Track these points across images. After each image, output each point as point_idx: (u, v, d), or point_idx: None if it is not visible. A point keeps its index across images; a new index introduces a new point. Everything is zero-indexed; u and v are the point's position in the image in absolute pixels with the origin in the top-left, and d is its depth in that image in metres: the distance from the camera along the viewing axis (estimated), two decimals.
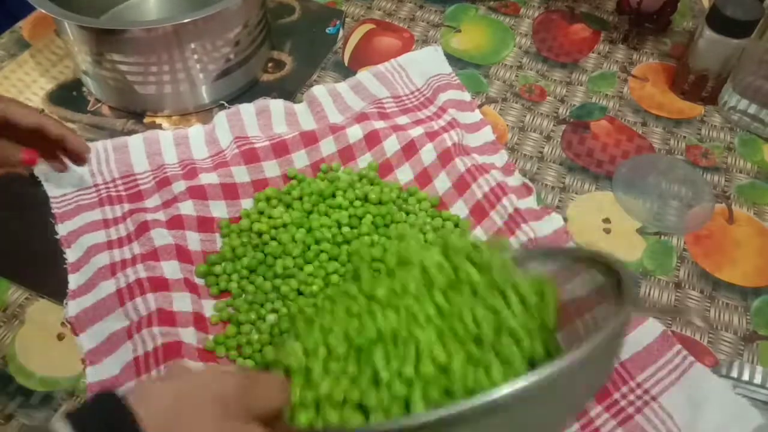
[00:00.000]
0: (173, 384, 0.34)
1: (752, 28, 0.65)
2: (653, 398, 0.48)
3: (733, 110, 0.69)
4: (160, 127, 0.67)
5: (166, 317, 0.50)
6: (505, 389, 0.29)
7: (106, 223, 0.57)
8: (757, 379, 0.49)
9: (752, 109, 0.68)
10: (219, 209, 0.59)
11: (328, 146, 0.63)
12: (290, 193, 0.60)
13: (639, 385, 0.49)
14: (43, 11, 0.59)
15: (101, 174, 0.60)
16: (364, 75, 0.71)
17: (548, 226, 0.58)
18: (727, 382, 0.49)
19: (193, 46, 0.63)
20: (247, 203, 0.60)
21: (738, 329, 0.54)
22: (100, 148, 0.62)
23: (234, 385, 0.34)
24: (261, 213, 0.59)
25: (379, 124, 0.64)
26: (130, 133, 0.65)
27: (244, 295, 0.54)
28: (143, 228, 0.55)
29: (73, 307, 0.52)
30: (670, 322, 0.54)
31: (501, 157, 0.64)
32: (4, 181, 0.60)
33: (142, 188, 0.60)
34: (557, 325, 0.38)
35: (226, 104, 0.68)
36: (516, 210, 0.57)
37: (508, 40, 0.79)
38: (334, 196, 0.60)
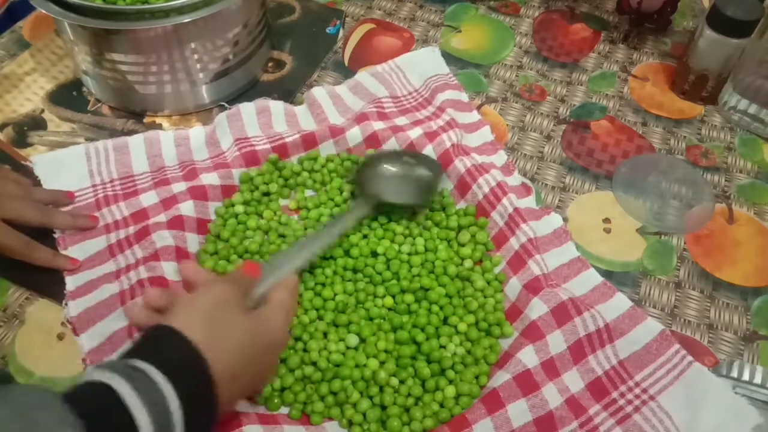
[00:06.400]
0: (197, 306, 0.40)
1: (752, 28, 0.65)
2: (651, 398, 0.48)
3: (733, 110, 0.69)
4: (160, 126, 0.67)
5: None
6: None
7: (107, 228, 0.57)
8: (757, 379, 0.49)
9: (752, 109, 0.68)
10: None
11: (327, 149, 0.63)
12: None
13: (637, 384, 0.49)
14: (43, 11, 0.59)
15: (100, 174, 0.60)
16: (362, 76, 0.71)
17: (548, 225, 0.58)
18: (725, 382, 0.49)
19: (193, 45, 0.63)
20: None
21: (738, 329, 0.54)
22: (100, 148, 0.62)
23: (229, 288, 0.43)
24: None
25: (378, 126, 0.63)
26: (130, 133, 0.65)
27: None
28: (144, 231, 0.55)
29: (74, 307, 0.52)
30: (669, 322, 0.55)
31: (500, 157, 0.64)
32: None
33: (140, 189, 0.60)
34: None
35: (226, 105, 0.68)
36: (516, 210, 0.57)
37: (508, 39, 0.79)
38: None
